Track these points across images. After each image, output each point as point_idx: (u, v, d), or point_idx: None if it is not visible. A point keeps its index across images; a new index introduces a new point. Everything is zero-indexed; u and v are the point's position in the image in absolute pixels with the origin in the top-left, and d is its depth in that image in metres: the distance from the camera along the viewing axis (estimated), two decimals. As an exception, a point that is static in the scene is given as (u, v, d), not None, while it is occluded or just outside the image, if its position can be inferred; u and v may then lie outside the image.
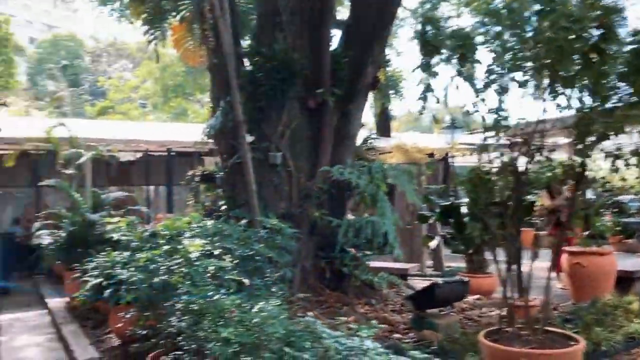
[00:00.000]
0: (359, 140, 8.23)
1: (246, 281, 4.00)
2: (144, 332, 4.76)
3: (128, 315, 4.93)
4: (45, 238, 8.90)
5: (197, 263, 4.25)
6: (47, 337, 7.12)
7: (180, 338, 3.58)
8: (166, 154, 17.81)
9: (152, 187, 20.22)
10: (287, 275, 4.55)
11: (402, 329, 5.94)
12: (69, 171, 11.63)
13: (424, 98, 4.15)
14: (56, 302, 8.80)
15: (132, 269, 4.32)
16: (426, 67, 4.10)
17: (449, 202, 8.21)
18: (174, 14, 10.15)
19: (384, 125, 17.94)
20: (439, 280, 6.22)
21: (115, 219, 6.70)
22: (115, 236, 5.95)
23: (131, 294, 4.28)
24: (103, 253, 7.29)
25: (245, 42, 8.38)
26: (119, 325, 5.39)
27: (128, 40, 39.43)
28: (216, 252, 4.39)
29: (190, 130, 20.61)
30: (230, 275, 3.83)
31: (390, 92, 8.76)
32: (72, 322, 7.24)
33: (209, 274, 3.88)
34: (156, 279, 4.15)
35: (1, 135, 11.23)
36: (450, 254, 12.09)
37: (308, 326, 2.83)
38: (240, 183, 7.34)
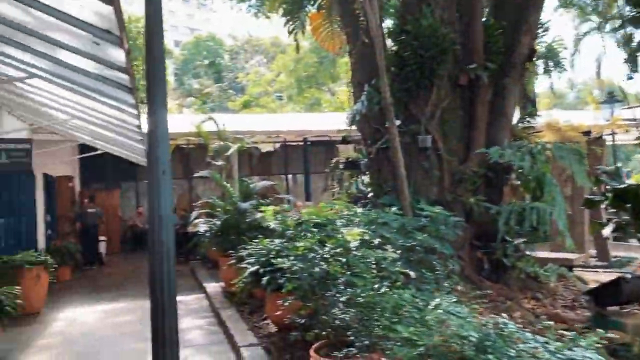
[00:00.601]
0: (514, 119, 7.51)
1: (412, 273, 3.69)
2: (303, 321, 4.69)
3: (286, 304, 4.89)
4: (201, 226, 9.42)
5: (356, 253, 4.05)
6: (207, 320, 7.49)
7: (349, 332, 3.39)
8: (302, 143, 18.23)
9: (290, 176, 20.79)
10: (455, 268, 4.17)
11: (579, 328, 5.25)
12: (218, 163, 12.27)
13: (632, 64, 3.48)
14: (213, 287, 9.29)
15: (292, 257, 4.23)
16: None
17: (625, 185, 7.17)
18: (311, 2, 10.14)
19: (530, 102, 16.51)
20: (627, 274, 5.41)
21: (269, 208, 6.75)
22: (272, 224, 5.97)
23: (292, 283, 4.20)
24: (255, 240, 7.50)
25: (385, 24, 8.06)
26: (277, 312, 5.40)
27: (262, 36, 41.12)
28: (375, 241, 4.14)
29: (324, 119, 20.89)
30: (396, 267, 3.55)
31: (550, 63, 7.85)
32: (230, 307, 7.53)
33: (373, 265, 3.64)
34: (316, 269, 4.02)
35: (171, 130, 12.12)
36: (614, 243, 10.78)
37: (500, 328, 2.46)
38: (386, 169, 7.08)
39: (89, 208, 14.25)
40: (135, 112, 5.45)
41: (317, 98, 28.68)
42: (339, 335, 3.91)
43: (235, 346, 5.87)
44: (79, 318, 8.19)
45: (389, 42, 7.38)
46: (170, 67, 39.88)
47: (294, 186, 20.54)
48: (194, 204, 16.97)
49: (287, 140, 17.76)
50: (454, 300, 3.09)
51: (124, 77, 4.09)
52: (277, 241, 6.74)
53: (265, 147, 18.89)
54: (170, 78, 38.92)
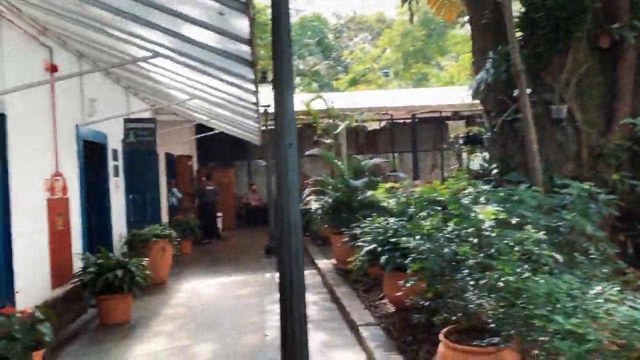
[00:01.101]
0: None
1: (558, 257, 3.28)
2: (427, 303, 4.44)
3: (408, 284, 4.64)
4: (313, 204, 9.43)
5: (489, 233, 3.70)
6: (321, 296, 7.48)
7: (490, 320, 3.09)
8: (410, 120, 17.71)
9: (396, 154, 20.35)
10: (609, 252, 3.68)
11: None
12: (327, 141, 12.22)
13: None
14: (324, 264, 9.30)
15: (417, 237, 3.97)
16: None
17: None
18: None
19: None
20: None
21: (386, 185, 6.51)
22: (387, 202, 5.74)
23: (418, 263, 3.95)
24: (368, 218, 7.32)
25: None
26: (397, 293, 5.18)
27: (367, 13, 40.49)
28: (513, 220, 3.75)
29: (433, 94, 20.11)
30: (544, 250, 3.16)
31: None
32: (343, 284, 7.45)
33: (515, 247, 3.28)
34: (445, 249, 3.72)
35: (270, 110, 12.29)
36: None
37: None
38: (513, 143, 6.53)
39: (207, 185, 14.94)
40: (253, 88, 5.43)
41: (424, 73, 27.75)
42: (472, 321, 3.61)
43: (351, 324, 5.76)
44: (201, 289, 8.57)
45: (516, 6, 6.74)
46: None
47: (401, 164, 20.07)
48: (304, 182, 17.16)
49: (394, 117, 17.31)
50: (617, 288, 2.67)
51: (245, 50, 4.02)
52: (391, 220, 6.51)
53: (372, 125, 18.62)
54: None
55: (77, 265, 6.70)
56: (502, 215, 3.78)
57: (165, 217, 12.98)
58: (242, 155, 19.93)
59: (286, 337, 2.76)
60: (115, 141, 8.93)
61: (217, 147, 18.39)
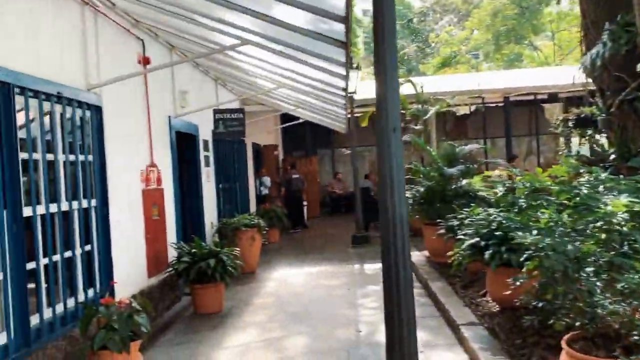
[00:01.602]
0: None
1: None
2: (541, 304, 3.98)
3: (518, 282, 4.20)
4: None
5: (621, 229, 3.20)
6: (415, 291, 7.07)
7: (621, 327, 2.63)
8: (503, 103, 16.73)
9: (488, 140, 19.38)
10: None
11: None
12: (417, 127, 11.74)
13: None
14: (416, 256, 8.90)
15: (534, 231, 3.53)
16: None
17: None
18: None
19: None
20: None
21: (493, 173, 6.03)
22: (495, 190, 5.27)
23: (535, 261, 3.51)
24: (465, 209, 6.85)
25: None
26: (503, 290, 4.73)
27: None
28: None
29: (527, 76, 18.85)
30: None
31: None
32: (439, 278, 7.05)
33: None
34: (569, 246, 3.26)
35: (356, 97, 11.99)
36: None
37: None
38: (634, 125, 5.81)
39: (293, 174, 14.96)
40: (343, 72, 5.17)
41: (517, 54, 26.19)
42: (603, 329, 3.14)
43: (451, 322, 5.39)
44: (289, 279, 8.51)
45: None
46: (360, 35, 40.18)
47: (493, 151, 19.08)
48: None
49: (485, 101, 16.38)
50: None
51: (338, 30, 3.75)
52: (491, 210, 6.03)
53: (460, 110, 17.79)
54: (360, 47, 39.23)
55: (172, 254, 6.82)
56: (637, 208, 3.26)
57: (253, 206, 13.14)
58: (326, 144, 19.86)
59: (393, 342, 2.48)
60: (205, 132, 9.05)
61: (301, 136, 18.43)
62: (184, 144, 8.15)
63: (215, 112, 8.49)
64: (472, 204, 7.40)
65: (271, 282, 8.40)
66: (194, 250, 6.54)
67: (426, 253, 8.78)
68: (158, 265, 6.48)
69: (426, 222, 8.36)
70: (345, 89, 5.82)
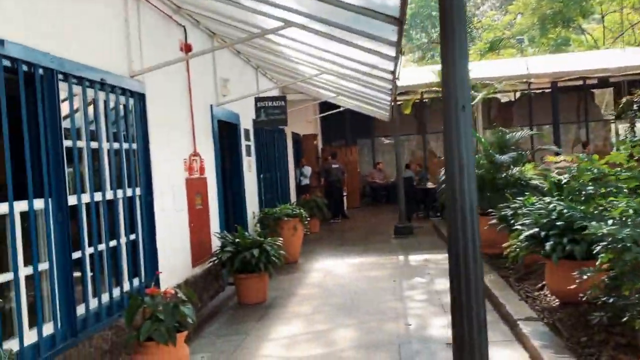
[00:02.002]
0: None
1: None
2: (611, 300, 3.68)
3: (585, 276, 3.89)
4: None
5: None
6: (464, 283, 6.84)
7: None
8: (550, 89, 16.08)
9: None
10: None
11: None
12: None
13: None
14: (463, 247, 8.59)
15: (609, 221, 3.23)
16: None
17: None
18: None
19: None
20: None
21: (557, 158, 5.69)
22: (562, 178, 4.94)
23: (610, 253, 3.21)
24: (519, 198, 6.52)
25: None
26: (566, 284, 4.43)
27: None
28: None
29: (575, 60, 18.02)
30: None
31: None
32: (490, 270, 6.73)
33: None
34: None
35: (399, 84, 11.66)
36: None
37: None
38: None
39: (333, 164, 14.76)
40: (393, 52, 4.91)
41: (564, 38, 25.11)
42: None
43: (506, 317, 5.10)
44: (332, 270, 8.34)
45: None
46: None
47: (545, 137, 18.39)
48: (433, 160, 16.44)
49: (531, 87, 15.72)
50: None
51: (392, 5, 3.50)
52: (547, 199, 5.70)
53: (504, 97, 17.19)
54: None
55: (215, 244, 6.74)
56: None
57: (293, 197, 13.02)
58: (366, 133, 19.56)
59: (462, 342, 2.26)
60: (247, 121, 8.93)
61: (340, 126, 18.19)
62: (226, 133, 8.05)
63: (257, 100, 8.35)
64: (525, 193, 7.06)
65: (314, 272, 8.25)
66: (237, 240, 6.43)
67: (474, 244, 8.45)
68: (202, 255, 6.41)
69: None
70: (393, 72, 5.55)
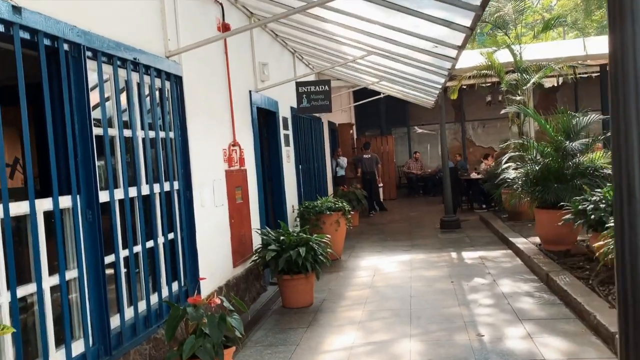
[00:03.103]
0: None
1: None
2: None
3: None
4: (510, 172, 7.98)
5: None
6: (533, 285, 6.13)
7: None
8: (598, 73, 15.12)
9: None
10: None
11: None
12: (517, 98, 10.55)
13: None
14: (523, 243, 7.85)
15: None
16: None
17: None
18: None
19: None
20: None
21: None
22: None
23: None
24: (597, 190, 5.79)
25: None
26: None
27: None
28: None
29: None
30: None
31: None
32: (562, 271, 6.02)
33: None
34: None
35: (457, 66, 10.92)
36: None
37: None
38: None
39: (364, 154, 14.07)
40: (467, 23, 4.21)
41: (610, 19, 23.68)
42: None
43: (596, 328, 4.41)
44: (381, 268, 7.72)
45: None
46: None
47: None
48: (498, 150, 15.64)
49: (580, 71, 14.72)
50: None
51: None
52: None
53: (546, 83, 16.25)
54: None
55: (256, 241, 6.20)
56: None
57: (330, 189, 12.42)
58: (401, 123, 18.84)
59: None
60: (285, 108, 8.35)
61: (374, 114, 17.51)
62: (264, 121, 7.48)
63: (298, 85, 7.74)
64: (597, 183, 6.34)
65: (361, 271, 7.65)
66: (281, 237, 5.86)
67: (536, 240, 7.72)
68: (243, 254, 5.87)
69: (538, 205, 7.28)
70: (461, 47, 4.85)
